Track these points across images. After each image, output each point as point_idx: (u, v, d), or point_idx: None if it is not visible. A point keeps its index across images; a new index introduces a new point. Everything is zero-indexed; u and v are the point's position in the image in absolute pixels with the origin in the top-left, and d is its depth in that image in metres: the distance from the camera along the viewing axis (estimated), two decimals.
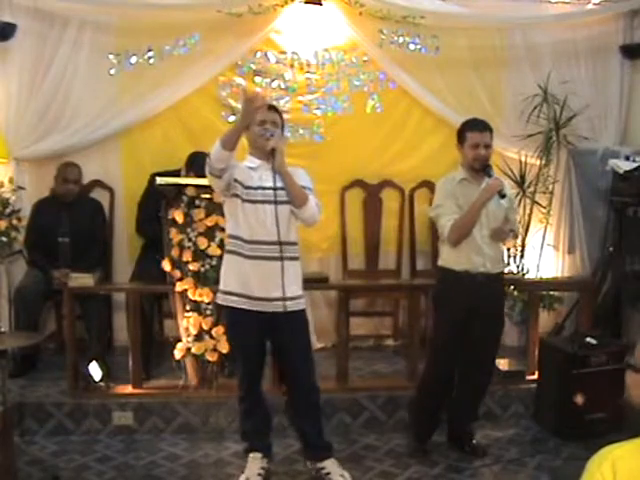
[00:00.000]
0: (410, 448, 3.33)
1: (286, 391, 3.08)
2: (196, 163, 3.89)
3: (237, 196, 2.81)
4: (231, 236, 2.87)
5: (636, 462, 1.22)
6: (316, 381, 3.01)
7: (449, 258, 3.14)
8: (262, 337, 2.91)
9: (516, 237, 3.35)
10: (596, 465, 1.24)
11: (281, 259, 2.78)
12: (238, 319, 2.87)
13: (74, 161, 4.15)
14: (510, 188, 3.29)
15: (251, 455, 3.02)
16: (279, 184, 2.79)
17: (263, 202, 2.79)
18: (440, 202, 3.11)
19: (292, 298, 2.83)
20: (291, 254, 2.85)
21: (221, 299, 2.90)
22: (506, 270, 3.65)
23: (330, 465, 2.99)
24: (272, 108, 2.94)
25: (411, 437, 3.38)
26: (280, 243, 2.77)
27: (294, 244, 2.88)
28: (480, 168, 3.06)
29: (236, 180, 2.80)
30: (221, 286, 2.90)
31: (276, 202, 2.77)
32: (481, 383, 3.32)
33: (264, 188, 2.80)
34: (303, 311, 2.93)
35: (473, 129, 3.09)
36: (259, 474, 2.96)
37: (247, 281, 2.80)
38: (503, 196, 3.02)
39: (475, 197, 3.01)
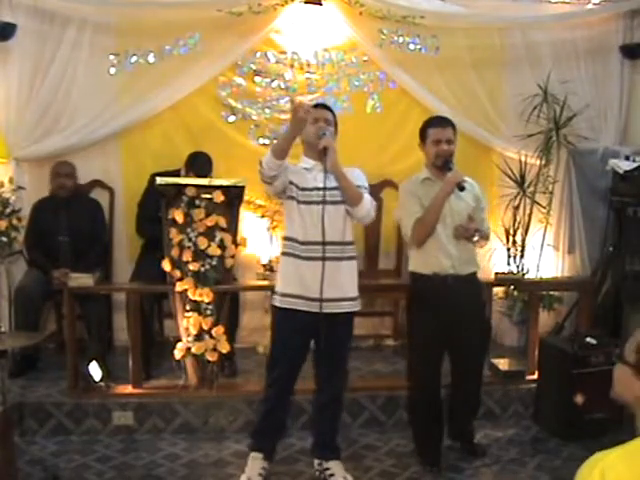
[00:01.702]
0: (422, 464, 3.17)
1: (316, 389, 3.06)
2: (196, 163, 3.90)
3: (293, 198, 2.83)
4: (287, 238, 2.88)
5: (625, 469, 1.23)
6: (345, 383, 3.04)
7: (417, 262, 3.10)
8: (310, 338, 2.91)
9: (486, 238, 3.18)
10: (586, 473, 1.26)
11: (323, 259, 2.76)
12: (291, 320, 2.85)
13: (73, 161, 4.16)
14: (478, 187, 3.19)
15: (252, 454, 3.02)
16: (328, 184, 2.79)
17: (315, 203, 2.80)
18: (402, 204, 3.08)
19: (339, 299, 2.83)
20: (345, 254, 2.86)
21: (278, 301, 2.88)
22: (502, 270, 3.54)
23: (335, 466, 3.01)
24: (324, 106, 2.97)
25: (420, 458, 3.22)
26: (324, 244, 2.76)
27: (349, 244, 2.90)
28: (442, 164, 3.01)
29: (291, 182, 2.82)
30: (279, 288, 2.89)
31: (324, 202, 2.77)
32: (472, 386, 3.29)
33: (318, 189, 2.81)
34: (351, 315, 2.94)
35: (435, 125, 3.07)
36: (260, 474, 2.97)
37: (304, 282, 2.81)
38: (462, 189, 2.96)
39: None
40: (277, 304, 2.90)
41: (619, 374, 1.44)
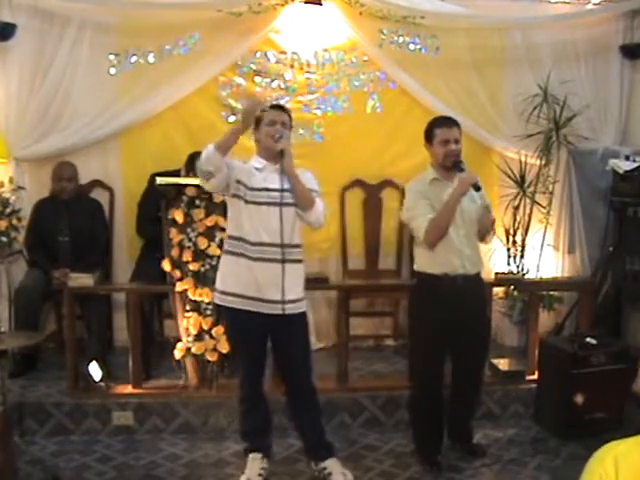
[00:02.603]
0: (423, 465, 3.17)
1: (285, 391, 3.08)
2: (196, 164, 3.90)
3: (239, 197, 2.79)
4: (232, 237, 2.85)
5: (638, 458, 1.21)
6: (314, 382, 3.00)
7: (425, 262, 3.07)
8: (262, 337, 2.90)
9: (493, 234, 3.22)
10: (598, 462, 1.24)
11: (282, 261, 2.77)
12: (237, 319, 2.87)
13: (73, 161, 4.16)
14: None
15: (251, 455, 3.02)
16: (286, 186, 2.78)
17: (268, 204, 2.77)
18: (412, 204, 3.04)
19: (292, 301, 2.82)
20: (294, 256, 2.84)
21: (218, 299, 2.89)
22: (505, 270, 3.57)
23: (332, 464, 2.99)
24: (282, 108, 2.94)
25: (420, 458, 3.23)
26: (282, 245, 2.76)
27: (298, 246, 2.87)
28: (451, 165, 3.00)
29: (239, 181, 2.78)
30: (218, 286, 2.89)
31: (282, 204, 2.76)
32: (473, 387, 3.29)
33: (269, 190, 2.78)
34: (303, 314, 2.92)
35: (441, 125, 3.05)
36: (259, 474, 2.97)
37: (247, 282, 2.79)
38: (478, 189, 2.95)
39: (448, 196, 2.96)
40: (217, 302, 2.91)
41: None
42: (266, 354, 2.98)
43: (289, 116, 2.91)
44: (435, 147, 3.04)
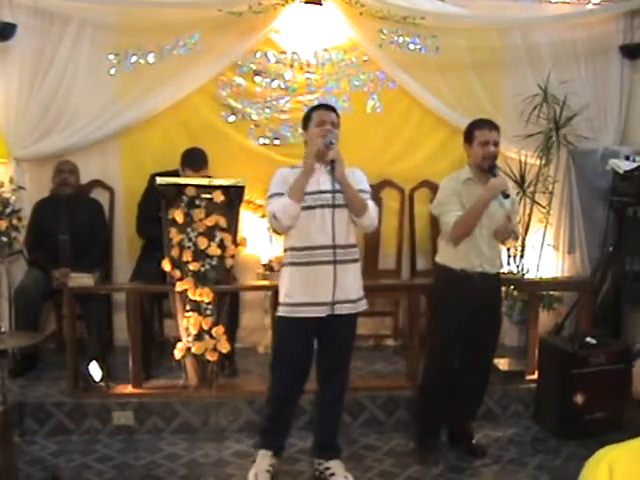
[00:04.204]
0: (418, 454, 3.26)
1: (318, 389, 3.06)
2: (190, 157, 3.90)
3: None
4: (288, 249, 2.85)
5: (633, 464, 1.22)
6: (348, 383, 3.03)
7: (447, 256, 3.16)
8: (312, 340, 2.90)
9: (516, 239, 3.36)
10: (593, 467, 1.24)
11: (334, 262, 2.75)
12: (295, 328, 2.84)
13: (74, 161, 4.16)
14: (512, 190, 3.29)
15: (261, 452, 3.02)
16: (337, 187, 2.76)
17: (322, 206, 2.76)
18: (445, 199, 3.11)
19: (347, 301, 2.82)
20: (351, 257, 2.85)
21: (286, 311, 2.84)
22: (504, 270, 3.62)
23: (336, 466, 3.01)
24: (330, 108, 2.91)
25: (417, 441, 3.32)
26: (334, 247, 2.75)
27: (354, 246, 2.88)
28: (487, 167, 3.05)
29: None
30: (284, 299, 2.84)
31: (334, 205, 2.75)
32: (480, 383, 3.33)
33: (322, 192, 2.76)
34: (354, 316, 2.92)
35: (482, 127, 3.11)
36: (267, 470, 2.97)
37: (304, 288, 2.79)
38: (507, 196, 3.03)
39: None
40: (284, 314, 2.86)
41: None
42: (312, 357, 2.96)
43: (337, 115, 2.88)
44: (475, 148, 3.09)
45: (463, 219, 3.02)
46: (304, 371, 2.94)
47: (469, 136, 3.13)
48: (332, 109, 2.90)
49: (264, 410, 3.13)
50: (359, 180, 2.89)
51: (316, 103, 4.42)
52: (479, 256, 3.08)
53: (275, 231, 2.74)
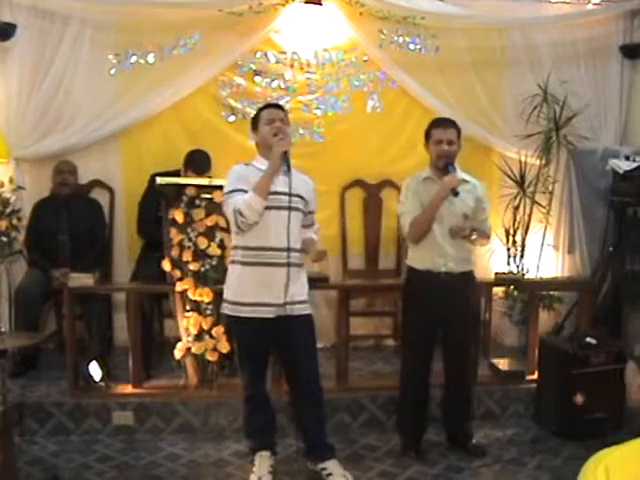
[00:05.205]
0: (402, 449, 3.32)
1: (288, 390, 3.08)
2: (194, 160, 3.91)
3: None
4: (239, 247, 2.83)
5: (630, 466, 1.21)
6: (320, 382, 3.00)
7: (413, 257, 3.19)
8: (268, 340, 2.90)
9: (487, 237, 3.23)
10: (590, 470, 1.24)
11: (288, 265, 2.77)
12: (245, 327, 2.84)
13: (73, 161, 4.17)
14: (481, 187, 3.21)
15: (259, 454, 3.01)
16: (294, 190, 2.77)
17: (278, 208, 2.75)
18: (404, 199, 3.16)
19: (299, 302, 2.84)
20: (301, 260, 2.86)
21: (229, 309, 2.85)
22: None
23: (332, 466, 2.98)
24: (277, 106, 2.95)
25: (401, 439, 3.38)
26: (289, 250, 2.77)
27: (301, 250, 2.87)
28: (443, 166, 3.06)
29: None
30: (228, 297, 2.85)
31: (290, 208, 2.76)
32: (463, 384, 3.33)
33: (278, 193, 2.75)
34: (309, 315, 2.93)
35: (437, 126, 3.13)
36: (270, 472, 2.96)
37: (254, 289, 2.77)
38: (456, 194, 3.00)
39: None
40: (228, 312, 2.87)
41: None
42: (269, 354, 3.00)
43: (285, 113, 2.90)
44: (431, 147, 3.13)
45: (418, 219, 3.05)
46: (263, 371, 2.97)
47: (427, 135, 3.15)
48: (280, 107, 2.94)
49: (243, 412, 3.10)
50: (311, 197, 2.91)
51: (315, 103, 4.49)
52: (443, 256, 3.08)
53: (240, 228, 2.71)
